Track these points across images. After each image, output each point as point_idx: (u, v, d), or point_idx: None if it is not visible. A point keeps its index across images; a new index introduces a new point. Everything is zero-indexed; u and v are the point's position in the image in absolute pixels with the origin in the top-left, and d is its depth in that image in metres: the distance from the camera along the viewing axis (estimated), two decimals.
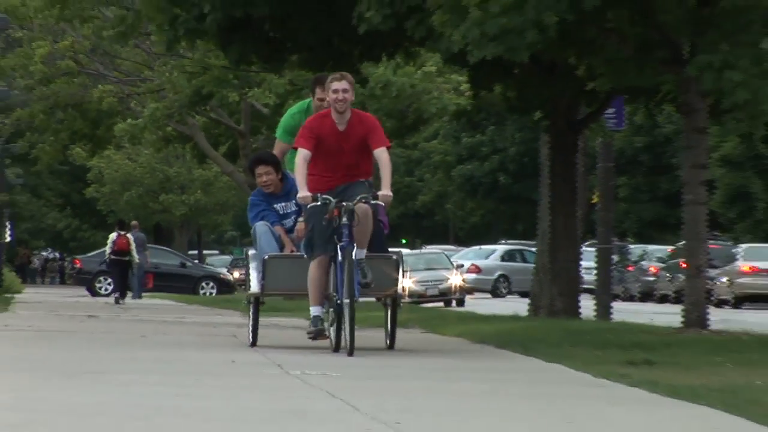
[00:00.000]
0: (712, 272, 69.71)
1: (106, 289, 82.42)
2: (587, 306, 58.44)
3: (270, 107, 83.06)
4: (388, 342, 23.22)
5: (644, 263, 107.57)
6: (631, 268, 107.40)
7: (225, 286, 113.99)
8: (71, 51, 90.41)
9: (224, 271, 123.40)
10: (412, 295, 79.13)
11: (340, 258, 21.07)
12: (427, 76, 74.07)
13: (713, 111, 40.82)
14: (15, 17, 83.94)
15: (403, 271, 24.57)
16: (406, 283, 26.17)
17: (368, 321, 36.28)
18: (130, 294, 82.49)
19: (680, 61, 40.51)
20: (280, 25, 53.77)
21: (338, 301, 20.99)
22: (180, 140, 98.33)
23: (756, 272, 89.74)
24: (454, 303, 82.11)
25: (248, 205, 23.78)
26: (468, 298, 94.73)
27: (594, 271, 65.00)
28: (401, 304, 23.14)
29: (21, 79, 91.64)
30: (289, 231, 23.26)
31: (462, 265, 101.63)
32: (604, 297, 61.23)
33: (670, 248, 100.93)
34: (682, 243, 56.16)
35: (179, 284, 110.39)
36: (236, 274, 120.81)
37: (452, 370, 25.47)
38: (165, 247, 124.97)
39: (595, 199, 64.88)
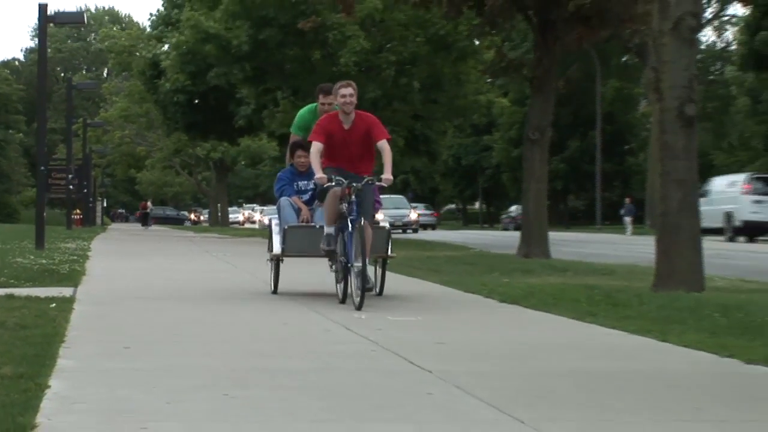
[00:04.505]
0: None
1: (146, 225, 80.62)
2: None
3: (202, 156, 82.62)
4: (377, 290, 13.69)
5: None
6: None
7: (194, 223, 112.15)
8: (129, 136, 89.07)
9: (192, 215, 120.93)
10: None
11: (350, 229, 12.57)
12: (270, 143, 73.52)
13: None
14: (108, 123, 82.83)
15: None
16: (379, 216, 15.64)
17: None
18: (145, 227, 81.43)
19: None
20: (204, 126, 54.18)
21: (348, 264, 12.39)
22: (170, 168, 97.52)
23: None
24: (410, 231, 59.55)
25: (276, 179, 14.74)
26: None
27: None
28: (388, 262, 14.08)
29: (110, 144, 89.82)
30: (306, 203, 14.12)
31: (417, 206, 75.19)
32: None
33: None
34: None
35: (174, 222, 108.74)
36: (192, 215, 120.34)
37: None
38: (168, 207, 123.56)
39: None
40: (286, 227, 13.76)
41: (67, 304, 11.72)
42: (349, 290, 12.39)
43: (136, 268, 19.74)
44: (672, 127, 14.87)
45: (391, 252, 13.64)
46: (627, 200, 65.67)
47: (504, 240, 42.32)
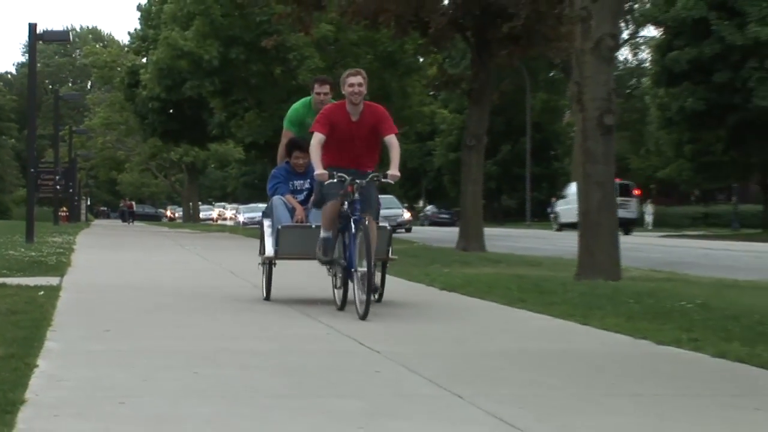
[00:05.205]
0: None
1: (129, 221, 79.71)
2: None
3: (175, 159, 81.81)
4: (375, 296, 10.50)
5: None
6: None
7: (170, 219, 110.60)
8: (110, 142, 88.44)
9: (168, 213, 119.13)
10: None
11: (353, 230, 9.89)
12: (236, 147, 73.04)
13: None
14: (92, 131, 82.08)
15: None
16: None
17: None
18: (129, 222, 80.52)
19: None
20: (179, 133, 53.62)
21: (350, 269, 9.88)
22: (147, 170, 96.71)
23: None
24: (402, 231, 49.47)
25: (270, 175, 11.82)
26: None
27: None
28: (387, 266, 11.24)
29: (93, 149, 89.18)
30: (300, 203, 11.42)
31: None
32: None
33: None
34: None
35: (152, 218, 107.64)
36: (168, 213, 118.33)
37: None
38: (147, 205, 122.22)
39: None
40: (279, 227, 11.18)
41: (54, 292, 11.62)
42: (350, 296, 10.09)
43: (116, 259, 19.58)
44: (593, 135, 14.95)
45: (392, 254, 11.23)
46: (553, 200, 65.99)
47: (444, 235, 42.37)
